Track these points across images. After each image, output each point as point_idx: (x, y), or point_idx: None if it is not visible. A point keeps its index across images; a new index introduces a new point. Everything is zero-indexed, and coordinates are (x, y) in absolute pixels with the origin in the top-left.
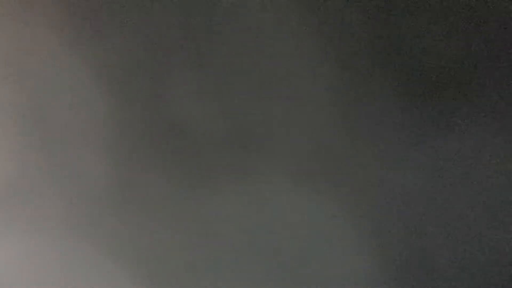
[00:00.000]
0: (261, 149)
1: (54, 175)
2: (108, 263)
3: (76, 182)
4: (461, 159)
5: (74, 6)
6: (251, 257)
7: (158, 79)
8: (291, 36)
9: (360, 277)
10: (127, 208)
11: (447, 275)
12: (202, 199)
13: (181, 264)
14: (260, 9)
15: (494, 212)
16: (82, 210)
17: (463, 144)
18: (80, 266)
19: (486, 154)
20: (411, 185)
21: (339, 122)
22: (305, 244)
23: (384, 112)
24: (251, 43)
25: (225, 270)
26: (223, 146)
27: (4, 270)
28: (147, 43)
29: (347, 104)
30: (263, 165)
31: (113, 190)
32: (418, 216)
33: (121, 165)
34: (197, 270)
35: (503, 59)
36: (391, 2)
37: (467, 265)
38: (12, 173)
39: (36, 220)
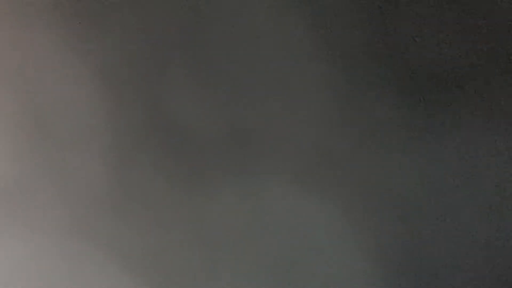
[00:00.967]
0: (260, 149)
1: (54, 176)
2: (108, 263)
3: (76, 182)
4: (461, 160)
5: (74, 7)
6: (250, 256)
7: (157, 79)
8: (291, 36)
9: (359, 277)
10: (127, 208)
11: (446, 275)
12: (202, 199)
13: (181, 263)
14: (260, 9)
15: (493, 212)
16: (82, 210)
17: (463, 144)
18: (80, 266)
19: (486, 154)
20: (410, 185)
21: (339, 122)
22: (305, 244)
23: (384, 112)
24: (251, 43)
25: (225, 269)
26: (223, 146)
27: (4, 270)
28: (146, 43)
29: (347, 104)
30: (262, 165)
31: (113, 190)
32: (417, 216)
33: (121, 165)
34: (197, 269)
35: (503, 59)
36: (390, 2)
37: (466, 265)
38: (12, 173)
39: (36, 220)
